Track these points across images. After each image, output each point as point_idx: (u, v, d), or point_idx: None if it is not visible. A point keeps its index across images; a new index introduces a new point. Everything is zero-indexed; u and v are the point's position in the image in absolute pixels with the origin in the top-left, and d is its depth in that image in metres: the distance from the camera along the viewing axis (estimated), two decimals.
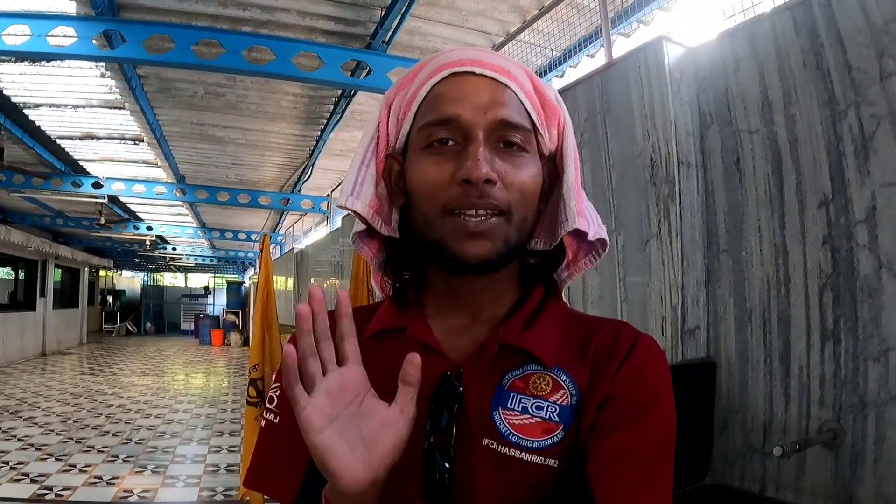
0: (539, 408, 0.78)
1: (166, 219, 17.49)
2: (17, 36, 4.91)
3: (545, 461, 0.76)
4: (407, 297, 0.91)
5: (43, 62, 6.07)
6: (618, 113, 2.94)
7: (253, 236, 18.62)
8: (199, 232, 18.71)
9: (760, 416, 2.26)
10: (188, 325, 28.12)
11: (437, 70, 0.83)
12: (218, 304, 30.41)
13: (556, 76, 5.50)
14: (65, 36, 4.98)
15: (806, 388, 2.10)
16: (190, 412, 9.13)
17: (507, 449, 0.77)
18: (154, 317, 30.63)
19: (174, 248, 23.80)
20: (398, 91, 0.88)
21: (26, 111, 8.00)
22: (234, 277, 31.18)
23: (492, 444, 0.77)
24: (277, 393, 0.90)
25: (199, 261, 28.91)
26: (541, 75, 5.41)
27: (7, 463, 6.07)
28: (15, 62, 6.16)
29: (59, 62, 6.05)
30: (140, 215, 16.87)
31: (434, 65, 0.84)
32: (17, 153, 9.62)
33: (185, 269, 34.27)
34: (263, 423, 0.93)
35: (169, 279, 36.33)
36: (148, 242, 19.91)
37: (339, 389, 0.71)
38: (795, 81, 2.20)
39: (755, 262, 2.35)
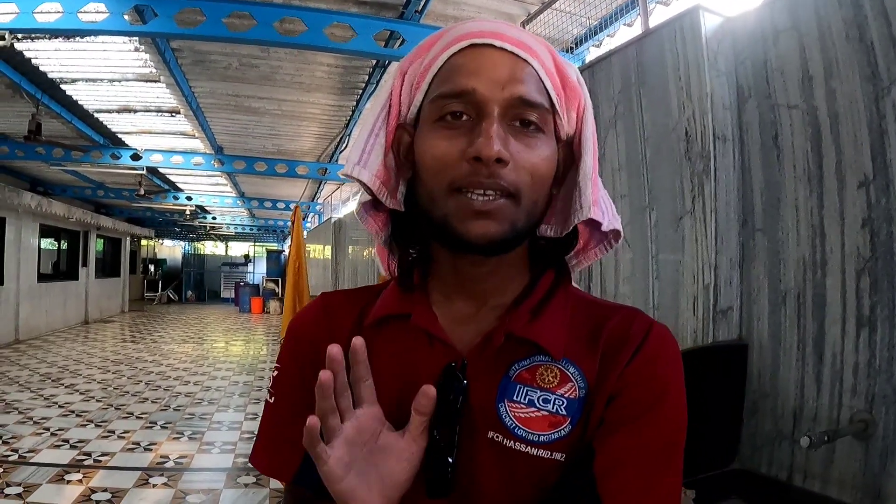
0: (546, 401, 0.76)
1: (206, 189, 17.70)
2: (49, 13, 4.97)
3: (552, 455, 0.74)
4: (412, 280, 0.88)
5: (77, 38, 6.13)
6: (653, 84, 2.86)
7: (291, 205, 18.75)
8: (238, 201, 18.91)
9: (791, 402, 2.20)
10: (228, 293, 28.61)
11: (455, 40, 0.78)
12: (258, 272, 30.95)
13: (594, 45, 5.38)
14: (96, 12, 5.02)
15: (839, 375, 2.03)
16: (228, 379, 9.28)
17: (512, 442, 0.74)
18: (195, 285, 31.19)
19: (214, 218, 24.12)
20: (414, 59, 0.84)
21: (63, 86, 8.13)
22: (273, 246, 31.59)
23: (497, 437, 0.75)
24: (275, 374, 0.90)
25: (239, 230, 29.27)
26: (577, 45, 5.30)
27: (48, 429, 6.22)
28: (49, 39, 6.23)
29: (92, 37, 6.10)
30: (180, 185, 17.12)
31: (453, 34, 0.80)
32: (55, 127, 9.80)
33: (226, 238, 34.72)
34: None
35: (210, 248, 36.78)
36: (188, 212, 20.17)
37: (356, 434, 0.72)
38: (837, 54, 2.10)
39: (791, 243, 2.27)
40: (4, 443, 5.71)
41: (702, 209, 2.52)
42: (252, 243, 34.59)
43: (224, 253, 36.42)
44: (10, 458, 5.26)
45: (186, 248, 34.16)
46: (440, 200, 0.76)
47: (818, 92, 2.17)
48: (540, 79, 0.78)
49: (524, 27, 4.79)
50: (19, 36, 5.37)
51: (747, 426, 2.36)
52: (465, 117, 0.75)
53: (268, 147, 11.67)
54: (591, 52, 5.36)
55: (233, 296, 26.39)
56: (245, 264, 32.64)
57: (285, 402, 0.88)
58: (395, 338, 0.84)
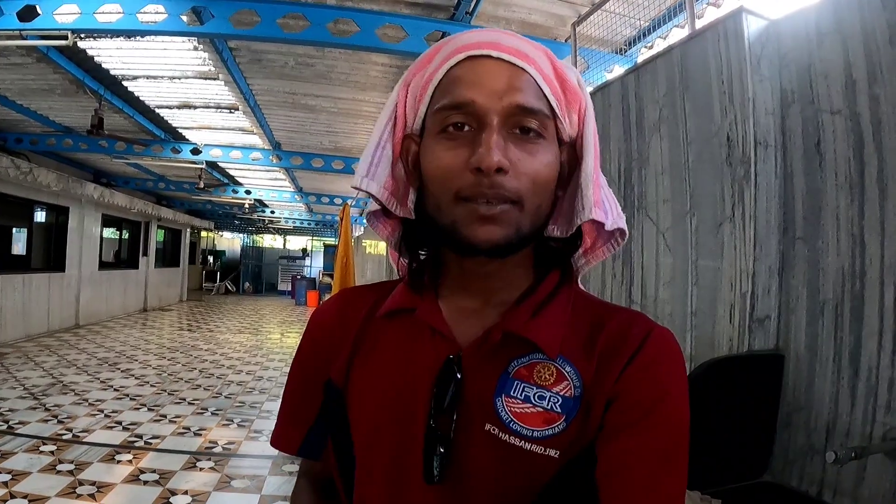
0: (541, 397, 0.78)
1: (264, 183, 17.96)
2: (110, 14, 5.17)
3: (545, 451, 0.75)
4: (422, 279, 0.91)
5: (137, 37, 6.33)
6: (696, 88, 2.82)
7: (348, 201, 18.95)
8: (296, 196, 19.14)
9: (825, 415, 2.15)
10: (285, 286, 29.18)
11: (454, 52, 0.81)
12: (315, 265, 31.40)
13: (645, 47, 5.29)
14: (155, 13, 5.20)
15: (874, 391, 1.97)
16: (280, 370, 9.44)
17: (507, 436, 0.76)
18: (252, 277, 31.78)
19: (272, 212, 24.49)
20: (417, 71, 0.87)
21: (125, 83, 8.35)
22: (331, 240, 31.95)
23: (493, 430, 0.77)
24: (294, 359, 0.99)
25: (297, 224, 29.63)
26: (629, 46, 5.23)
27: (102, 411, 6.48)
28: (111, 38, 6.45)
29: (153, 37, 6.29)
30: (239, 179, 17.42)
31: (452, 46, 0.82)
32: (117, 121, 10.11)
33: (284, 232, 35.26)
34: None
35: (268, 241, 37.45)
36: (247, 205, 20.54)
37: None
38: (881, 58, 2.04)
39: (831, 252, 2.22)
40: (59, 422, 5.96)
41: (741, 216, 2.48)
42: (310, 237, 35.09)
43: (282, 246, 37.03)
44: (64, 437, 5.50)
45: (245, 240, 34.82)
46: (447, 208, 0.78)
47: (861, 97, 2.11)
48: (538, 85, 0.79)
49: (574, 28, 4.75)
50: (82, 35, 5.59)
51: (780, 438, 2.31)
52: (466, 128, 0.77)
53: (324, 144, 11.80)
54: (643, 54, 5.28)
55: (289, 289, 26.86)
56: (302, 258, 33.15)
57: (295, 383, 0.97)
58: (402, 330, 0.88)
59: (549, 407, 0.77)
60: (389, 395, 0.83)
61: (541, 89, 0.79)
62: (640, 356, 0.77)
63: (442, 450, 0.77)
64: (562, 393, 0.77)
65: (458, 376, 0.79)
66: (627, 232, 0.89)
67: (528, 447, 0.75)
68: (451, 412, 0.78)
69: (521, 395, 0.78)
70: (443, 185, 0.78)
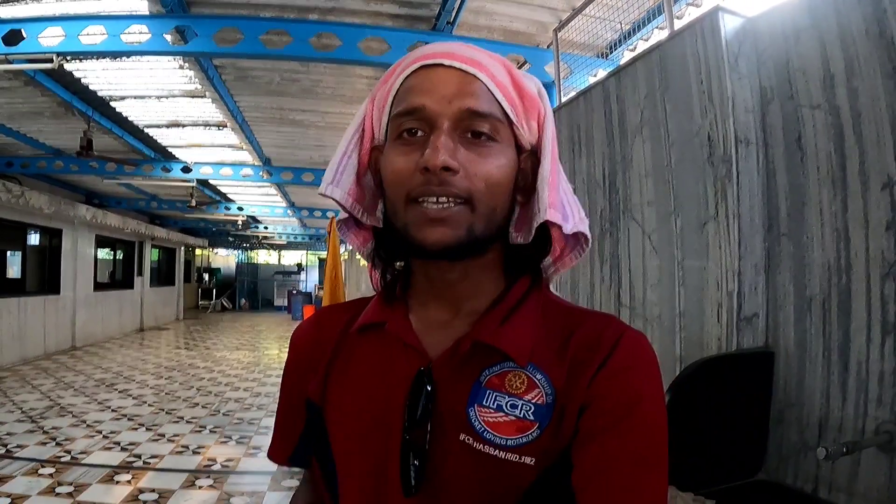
0: (514, 406, 0.77)
1: (256, 199, 18.02)
2: (95, 35, 5.21)
3: (520, 459, 0.75)
4: (394, 291, 0.92)
5: (123, 58, 6.35)
6: (676, 89, 2.82)
7: (337, 215, 18.92)
8: (288, 211, 19.19)
9: (817, 411, 2.14)
10: (281, 301, 29.14)
11: (410, 63, 0.83)
12: (311, 280, 31.42)
13: (628, 49, 5.32)
14: (139, 33, 5.25)
15: (864, 385, 1.97)
16: (277, 385, 9.32)
17: (482, 445, 0.76)
18: (248, 293, 31.80)
19: (266, 227, 24.53)
20: (381, 84, 0.88)
21: (113, 103, 8.41)
22: (325, 254, 31.90)
23: (468, 440, 0.77)
24: (282, 378, 1.01)
25: (292, 239, 29.68)
26: (612, 49, 5.25)
27: (100, 432, 6.43)
28: (97, 59, 6.47)
29: (138, 57, 6.31)
30: (231, 196, 17.47)
31: (409, 59, 0.84)
32: (107, 142, 10.18)
33: (279, 247, 35.22)
34: None
35: (263, 257, 37.42)
36: (240, 222, 20.58)
37: None
38: (858, 51, 2.04)
39: (816, 247, 2.21)
40: (58, 444, 5.92)
41: (725, 214, 2.48)
42: (305, 252, 35.09)
43: (277, 262, 37.01)
44: (63, 459, 5.46)
45: (240, 257, 34.82)
46: (400, 211, 0.79)
47: (840, 91, 2.11)
48: (490, 91, 0.80)
49: (556, 34, 4.77)
50: (68, 58, 5.61)
51: (773, 436, 2.30)
52: (419, 133, 0.79)
53: (314, 158, 11.84)
54: (626, 57, 5.30)
55: (286, 304, 26.82)
56: (297, 273, 33.15)
57: (284, 400, 0.99)
58: (375, 344, 0.88)
59: (521, 415, 0.77)
60: (366, 409, 0.83)
61: (493, 95, 0.80)
62: (612, 361, 0.76)
63: (416, 462, 0.76)
64: (534, 400, 0.77)
65: (429, 388, 0.79)
66: (590, 237, 0.89)
67: (503, 456, 0.75)
68: (425, 424, 0.78)
69: (493, 404, 0.78)
70: (396, 188, 0.79)
